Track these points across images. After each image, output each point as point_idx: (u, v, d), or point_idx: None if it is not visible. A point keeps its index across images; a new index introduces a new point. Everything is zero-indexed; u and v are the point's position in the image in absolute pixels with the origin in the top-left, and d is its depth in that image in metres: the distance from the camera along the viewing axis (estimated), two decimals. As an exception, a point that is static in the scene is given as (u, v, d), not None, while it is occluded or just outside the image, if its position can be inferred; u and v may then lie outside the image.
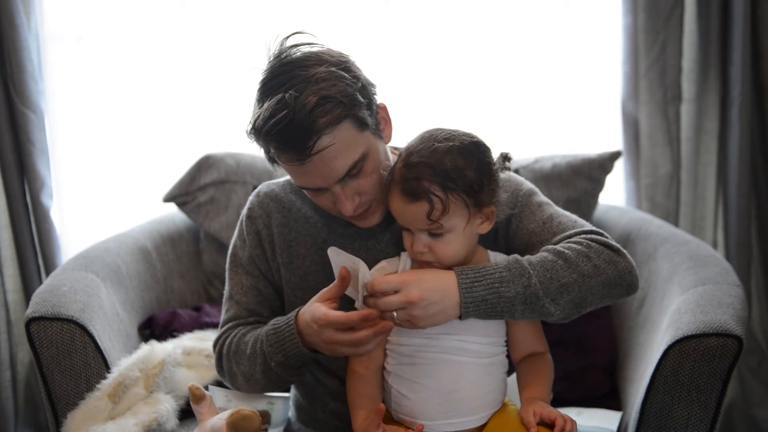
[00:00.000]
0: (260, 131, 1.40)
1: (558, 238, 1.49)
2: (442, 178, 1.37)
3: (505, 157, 1.46)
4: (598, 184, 2.37)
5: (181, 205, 2.40)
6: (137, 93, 2.61)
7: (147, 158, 2.65)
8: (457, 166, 1.38)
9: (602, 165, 2.36)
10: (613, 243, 1.46)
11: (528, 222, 1.53)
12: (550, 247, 1.45)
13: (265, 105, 1.39)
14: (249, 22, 2.55)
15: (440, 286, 1.37)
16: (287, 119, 1.36)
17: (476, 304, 1.38)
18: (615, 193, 2.58)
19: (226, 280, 1.66)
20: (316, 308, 1.43)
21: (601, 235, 1.48)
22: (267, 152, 1.48)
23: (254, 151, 2.44)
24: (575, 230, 1.49)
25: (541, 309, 1.40)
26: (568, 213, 1.56)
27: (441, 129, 1.44)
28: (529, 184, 1.59)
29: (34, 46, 2.43)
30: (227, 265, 1.67)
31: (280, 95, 1.38)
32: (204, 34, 2.58)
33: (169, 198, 2.40)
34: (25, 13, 2.39)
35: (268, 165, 2.39)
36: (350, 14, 2.53)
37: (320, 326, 1.41)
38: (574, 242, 1.45)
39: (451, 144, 1.39)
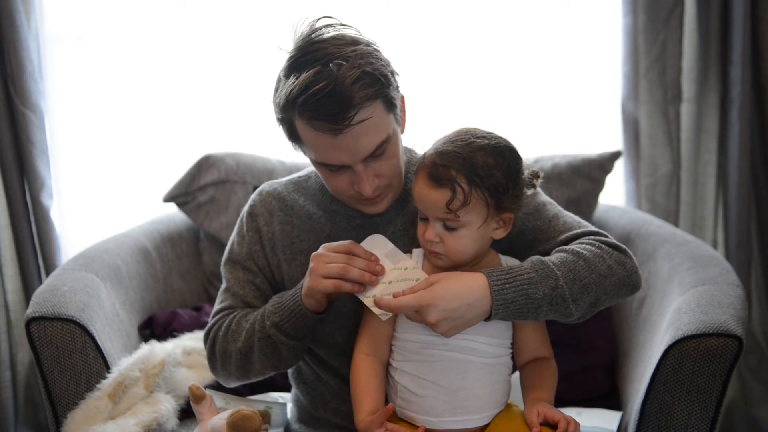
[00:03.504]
0: (295, 100, 1.40)
1: (565, 237, 1.51)
2: (470, 171, 1.38)
3: (535, 175, 1.47)
4: (598, 184, 2.37)
5: (181, 205, 2.40)
6: (137, 93, 2.61)
7: (147, 158, 2.65)
8: (487, 164, 1.39)
9: (602, 165, 2.37)
10: (620, 244, 1.49)
11: (534, 219, 1.55)
12: (565, 247, 1.47)
13: (302, 76, 1.39)
14: (249, 22, 2.56)
15: (467, 294, 1.38)
16: (328, 89, 1.37)
17: (506, 306, 1.39)
18: (615, 193, 2.59)
19: (223, 276, 1.66)
20: None
21: (606, 236, 1.51)
22: (291, 128, 1.47)
23: (254, 151, 2.48)
24: (581, 230, 1.52)
25: (565, 310, 1.42)
26: (569, 213, 1.58)
27: (478, 128, 1.46)
28: None
29: (34, 46, 2.43)
30: (223, 261, 1.67)
31: (317, 67, 1.38)
32: (204, 35, 2.58)
33: (169, 198, 2.40)
34: (25, 13, 2.39)
35: (268, 165, 2.43)
36: (351, 15, 2.52)
37: (319, 249, 1.48)
38: (586, 243, 1.47)
39: (486, 142, 1.41)
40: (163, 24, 2.58)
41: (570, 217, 1.56)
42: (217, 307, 1.66)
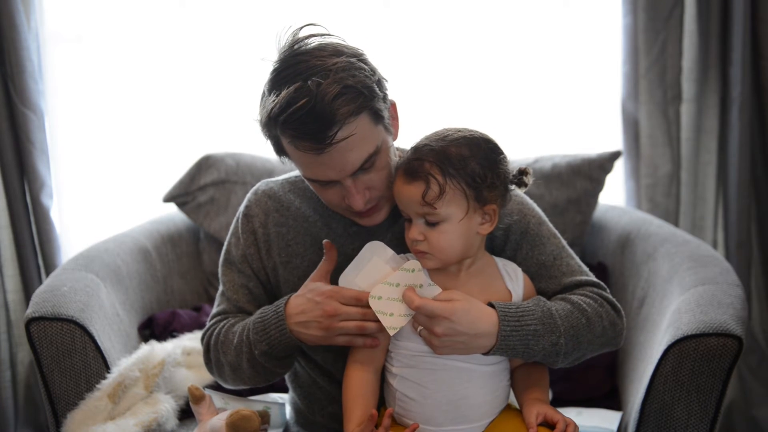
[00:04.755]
0: (277, 119, 1.38)
1: (569, 281, 1.52)
2: (444, 162, 1.38)
3: (523, 172, 1.46)
4: (598, 184, 2.37)
5: (181, 205, 2.41)
6: (137, 93, 2.61)
7: (147, 158, 2.65)
8: (461, 155, 1.38)
9: (602, 165, 2.36)
10: (616, 302, 1.53)
11: (539, 253, 1.55)
12: (571, 298, 1.48)
13: (283, 93, 1.36)
14: (248, 22, 2.56)
15: (479, 325, 1.39)
16: (308, 107, 1.34)
17: (505, 350, 1.42)
18: (615, 193, 2.59)
19: (219, 276, 1.66)
20: (321, 285, 1.47)
21: (605, 289, 1.54)
22: (277, 144, 1.46)
23: (254, 151, 2.48)
24: (583, 278, 1.53)
25: (553, 362, 1.46)
26: (572, 252, 1.59)
27: (458, 126, 1.46)
28: (539, 211, 1.61)
29: (34, 46, 2.43)
30: (221, 262, 1.66)
31: (298, 83, 1.35)
32: (204, 35, 2.58)
33: (169, 198, 2.40)
34: (25, 13, 2.39)
35: (267, 165, 2.43)
36: (349, 15, 2.53)
37: (326, 297, 1.43)
38: (590, 298, 1.49)
39: (461, 134, 1.42)
40: (163, 24, 2.58)
41: (572, 259, 1.57)
42: (213, 310, 1.65)
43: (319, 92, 1.34)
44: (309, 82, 1.35)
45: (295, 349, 1.52)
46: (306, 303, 1.46)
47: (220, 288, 1.65)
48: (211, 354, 1.61)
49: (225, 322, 1.60)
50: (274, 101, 1.37)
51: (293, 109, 1.35)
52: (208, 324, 1.64)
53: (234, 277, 1.62)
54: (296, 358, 1.61)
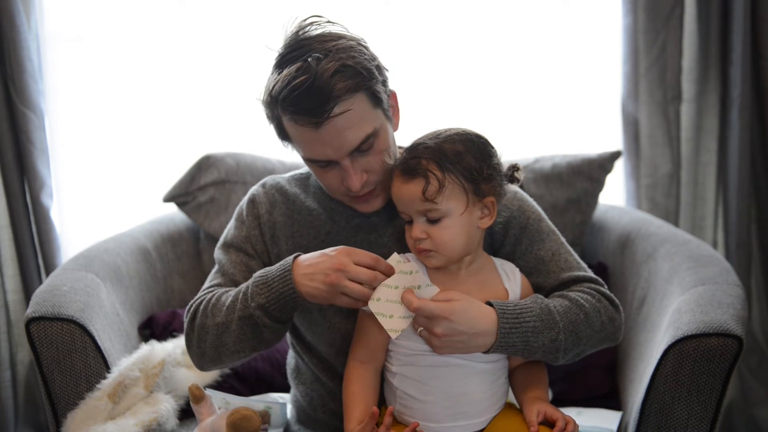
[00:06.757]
0: (277, 97, 1.42)
1: (566, 277, 1.53)
2: (440, 158, 1.40)
3: (514, 168, 1.49)
4: (598, 184, 2.37)
5: (181, 205, 2.41)
6: (137, 93, 2.61)
7: (147, 158, 2.65)
8: (456, 150, 1.41)
9: (602, 165, 2.37)
10: (614, 297, 1.54)
11: (538, 248, 1.56)
12: (569, 295, 1.49)
13: (284, 72, 1.41)
14: (249, 22, 2.56)
15: (478, 323, 1.40)
16: (307, 84, 1.39)
17: (505, 347, 1.43)
18: (615, 193, 2.59)
19: (215, 259, 1.64)
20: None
21: (603, 285, 1.55)
22: (279, 125, 1.49)
23: (254, 151, 2.48)
24: (581, 274, 1.54)
25: (553, 359, 1.47)
26: (570, 248, 1.60)
27: (449, 126, 1.49)
28: (539, 208, 1.62)
29: (34, 46, 2.43)
30: (217, 246, 1.64)
31: (299, 63, 1.41)
32: (204, 34, 2.58)
33: (169, 198, 2.40)
34: (25, 13, 2.39)
35: (268, 165, 2.44)
36: (349, 14, 2.52)
37: (341, 253, 1.43)
38: (588, 294, 1.50)
39: (453, 132, 1.45)
40: (163, 24, 2.58)
41: (570, 255, 1.58)
42: (205, 285, 1.61)
43: (319, 69, 1.39)
44: (309, 59, 1.40)
45: (292, 310, 1.48)
46: (318, 256, 1.45)
47: (215, 268, 1.63)
48: (196, 320, 1.53)
49: (219, 290, 1.56)
50: (275, 80, 1.43)
51: (293, 86, 1.39)
52: (196, 296, 1.58)
53: (233, 256, 1.61)
54: (287, 329, 1.56)
